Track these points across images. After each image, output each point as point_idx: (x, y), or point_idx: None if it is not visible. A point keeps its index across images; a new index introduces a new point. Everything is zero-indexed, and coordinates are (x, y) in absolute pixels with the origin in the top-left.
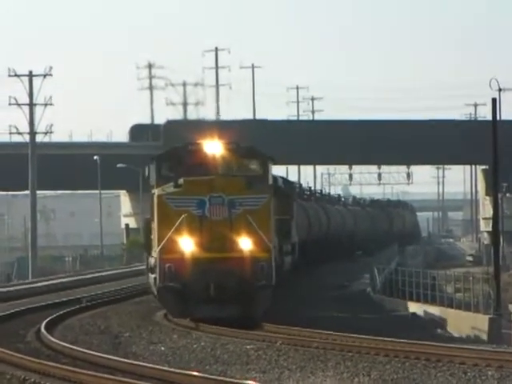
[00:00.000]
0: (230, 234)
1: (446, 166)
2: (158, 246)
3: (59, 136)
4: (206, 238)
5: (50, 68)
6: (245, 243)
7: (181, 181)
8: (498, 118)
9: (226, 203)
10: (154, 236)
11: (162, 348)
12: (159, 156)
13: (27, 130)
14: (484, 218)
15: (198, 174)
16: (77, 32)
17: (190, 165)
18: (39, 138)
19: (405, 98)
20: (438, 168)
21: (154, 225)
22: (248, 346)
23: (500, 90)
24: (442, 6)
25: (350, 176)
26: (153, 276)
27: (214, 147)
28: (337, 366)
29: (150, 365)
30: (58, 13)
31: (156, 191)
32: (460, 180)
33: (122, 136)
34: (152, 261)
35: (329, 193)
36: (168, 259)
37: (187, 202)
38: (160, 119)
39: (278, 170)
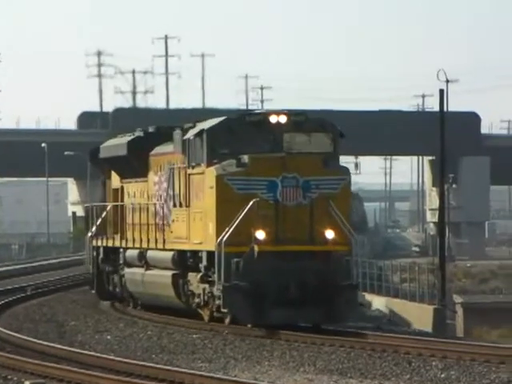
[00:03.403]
0: (310, 223)
1: (393, 157)
2: (218, 236)
3: (6, 123)
4: (281, 227)
5: None
6: (328, 234)
7: (245, 158)
8: (445, 109)
9: (300, 185)
10: (200, 224)
11: (108, 337)
12: (210, 129)
13: None
14: (430, 209)
15: (260, 151)
16: (25, 18)
17: (250, 139)
18: None
19: (353, 88)
20: (385, 159)
21: (200, 211)
22: (194, 336)
23: (447, 81)
24: None
25: None
26: (169, 273)
27: (278, 118)
28: (282, 356)
29: (96, 353)
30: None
31: (211, 170)
32: (407, 171)
33: (70, 123)
34: (163, 255)
35: None
36: (235, 253)
37: (255, 183)
38: (109, 107)
39: None
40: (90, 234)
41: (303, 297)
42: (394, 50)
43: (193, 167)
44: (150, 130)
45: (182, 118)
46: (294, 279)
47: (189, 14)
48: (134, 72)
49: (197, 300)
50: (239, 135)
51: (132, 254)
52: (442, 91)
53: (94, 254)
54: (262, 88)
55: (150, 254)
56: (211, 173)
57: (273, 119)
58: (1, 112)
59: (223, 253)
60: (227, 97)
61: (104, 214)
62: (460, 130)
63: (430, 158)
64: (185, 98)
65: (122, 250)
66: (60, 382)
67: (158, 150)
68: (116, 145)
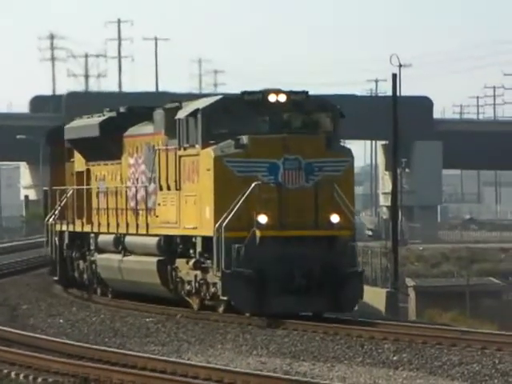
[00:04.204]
0: (315, 207)
1: (346, 141)
2: (216, 221)
3: None
4: (284, 211)
5: None
6: (334, 218)
7: (244, 139)
8: (398, 93)
9: (302, 168)
10: (194, 208)
11: (61, 320)
12: (206, 108)
13: None
14: (383, 193)
15: (258, 132)
16: None
17: (248, 119)
18: None
19: (306, 72)
20: None
21: (195, 194)
22: (147, 319)
23: (400, 65)
24: None
25: None
26: (154, 259)
27: (277, 97)
28: (236, 339)
29: (48, 337)
30: None
31: (208, 152)
32: (360, 155)
33: (22, 107)
34: (145, 240)
35: None
36: (236, 238)
37: (255, 166)
38: (61, 91)
39: None
40: (51, 219)
41: (308, 284)
42: (347, 34)
43: (185, 149)
44: (122, 110)
45: (136, 102)
46: (299, 266)
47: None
48: (86, 55)
49: (187, 287)
50: (236, 115)
51: (106, 239)
52: (394, 76)
53: (56, 239)
54: (215, 72)
55: (129, 239)
56: (208, 154)
57: (272, 98)
58: None
59: (223, 238)
60: (181, 80)
61: (67, 197)
62: (413, 114)
63: (383, 142)
64: (138, 82)
65: (92, 235)
66: (12, 366)
67: (133, 130)
68: (85, 125)
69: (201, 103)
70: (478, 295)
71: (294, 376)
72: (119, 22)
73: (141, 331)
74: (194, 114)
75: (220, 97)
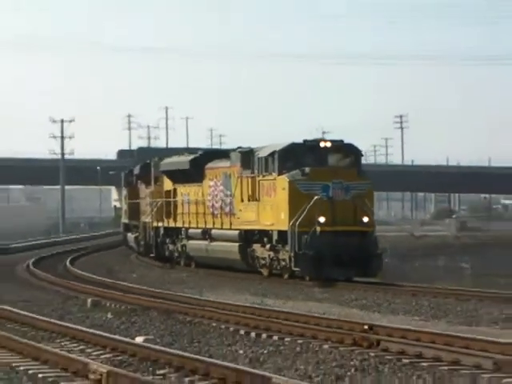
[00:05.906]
0: (353, 212)
1: None
2: (290, 220)
3: (78, 154)
4: (333, 215)
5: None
6: (365, 219)
7: (307, 170)
8: None
9: (344, 188)
10: (271, 212)
11: (134, 275)
12: (281, 150)
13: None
14: None
15: (315, 165)
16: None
17: (308, 157)
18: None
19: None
20: None
21: (272, 204)
22: (184, 274)
23: (324, 133)
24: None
25: None
26: (236, 244)
27: (325, 144)
28: (231, 287)
29: (128, 284)
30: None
31: (284, 178)
32: None
33: (112, 156)
34: (229, 233)
35: None
36: (303, 232)
37: (314, 186)
38: (134, 146)
39: None
40: (147, 219)
41: (349, 261)
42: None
43: (263, 176)
44: (200, 152)
45: (177, 153)
46: (344, 249)
47: (179, 93)
48: (148, 127)
49: (262, 262)
50: (300, 155)
51: (195, 231)
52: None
53: (151, 232)
54: (220, 136)
55: (214, 231)
56: (284, 179)
57: (322, 144)
58: (74, 149)
59: (296, 231)
60: (201, 141)
61: (157, 206)
62: None
63: None
64: (177, 142)
65: (183, 228)
66: (108, 300)
67: (211, 164)
68: (178, 162)
69: (276, 147)
70: None
71: (264, 306)
72: (166, 108)
73: (179, 281)
74: (272, 154)
75: (290, 142)
